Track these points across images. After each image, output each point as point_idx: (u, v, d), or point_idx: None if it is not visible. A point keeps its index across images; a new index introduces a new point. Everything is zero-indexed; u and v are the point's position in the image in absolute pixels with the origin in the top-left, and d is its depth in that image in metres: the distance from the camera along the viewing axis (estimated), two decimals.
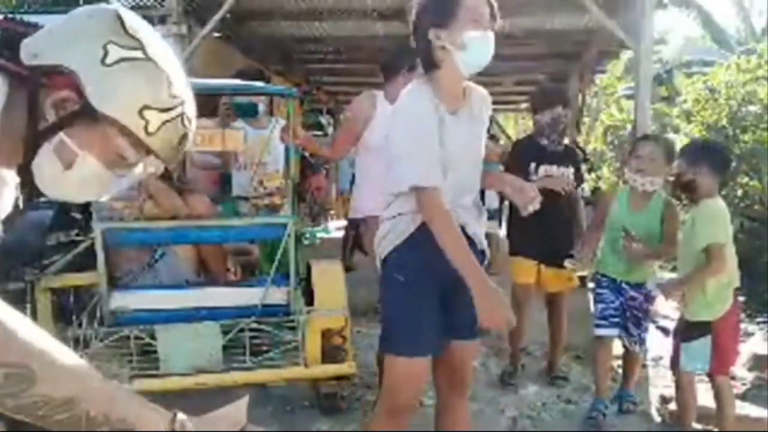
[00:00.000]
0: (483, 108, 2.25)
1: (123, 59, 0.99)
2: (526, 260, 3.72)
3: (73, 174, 1.03)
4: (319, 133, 11.93)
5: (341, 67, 8.84)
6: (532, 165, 3.63)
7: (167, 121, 1.03)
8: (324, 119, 12.77)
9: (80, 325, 2.96)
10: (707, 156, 3.04)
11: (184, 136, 1.08)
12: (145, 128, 1.01)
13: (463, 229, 2.12)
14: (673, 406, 3.40)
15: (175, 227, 3.15)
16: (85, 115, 0.99)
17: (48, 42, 1.01)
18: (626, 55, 8.86)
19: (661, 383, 3.88)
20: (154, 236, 3.17)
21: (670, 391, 3.62)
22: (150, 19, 5.26)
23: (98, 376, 0.89)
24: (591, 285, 4.57)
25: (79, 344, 2.88)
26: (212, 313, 3.09)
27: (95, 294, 3.12)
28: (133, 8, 5.63)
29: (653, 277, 3.37)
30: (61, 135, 1.00)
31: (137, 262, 3.29)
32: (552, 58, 8.23)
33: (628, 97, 9.94)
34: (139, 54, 1.00)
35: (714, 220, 2.94)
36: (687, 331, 3.04)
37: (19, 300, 3.23)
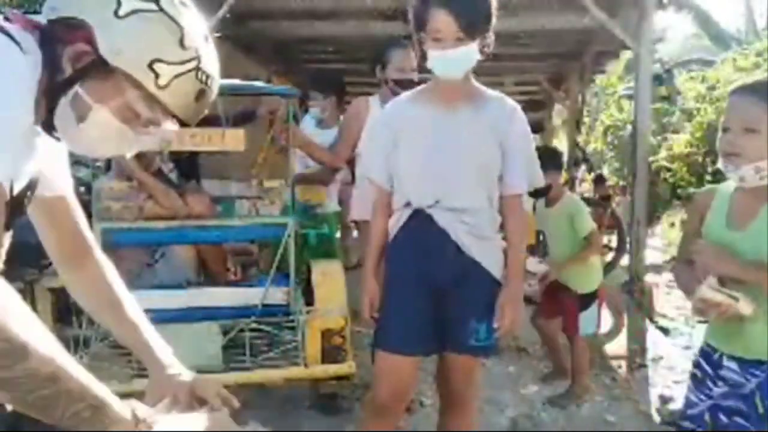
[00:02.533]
0: (497, 117, 2.19)
1: (135, 11, 0.98)
2: None
3: (88, 127, 1.03)
4: None
5: (341, 67, 8.83)
6: None
7: (179, 74, 1.01)
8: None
9: (80, 325, 2.96)
10: (551, 159, 3.51)
11: (202, 92, 1.06)
12: (156, 82, 1.00)
13: (446, 234, 2.14)
14: (672, 406, 3.41)
15: (175, 227, 3.15)
16: (99, 68, 0.99)
17: None
18: (626, 55, 8.86)
19: (661, 383, 3.88)
20: (154, 236, 3.17)
21: (670, 391, 3.63)
22: None
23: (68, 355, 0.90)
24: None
25: (79, 344, 2.87)
26: (212, 313, 3.09)
27: None
28: None
29: None
30: (77, 88, 1.00)
31: (137, 262, 3.29)
32: (552, 58, 8.22)
33: (629, 97, 9.94)
34: (152, 5, 0.99)
35: (584, 211, 3.61)
36: (582, 302, 3.62)
37: None
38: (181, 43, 1.01)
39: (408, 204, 2.20)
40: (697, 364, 1.91)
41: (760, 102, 1.69)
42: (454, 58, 2.06)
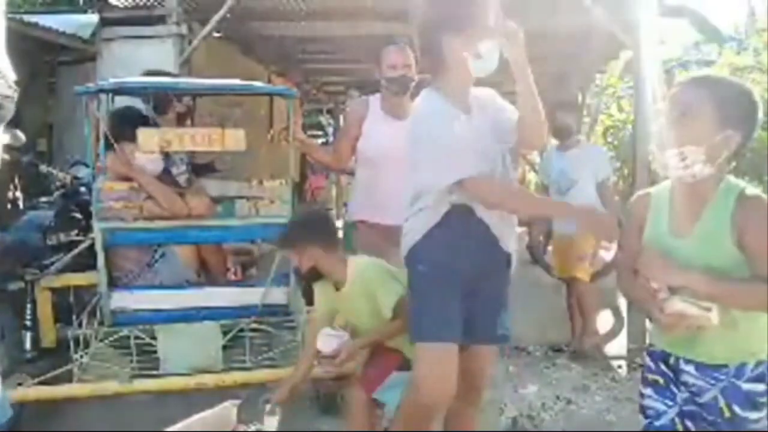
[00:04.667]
0: (492, 104, 2.29)
1: None
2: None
3: None
4: (320, 133, 11.95)
5: (341, 67, 8.84)
6: None
7: None
8: (324, 119, 12.78)
9: (80, 325, 2.96)
10: None
11: None
12: None
13: (488, 229, 2.21)
14: None
15: (175, 227, 3.15)
16: None
17: None
18: (626, 55, 8.86)
19: None
20: (154, 236, 3.17)
21: None
22: (150, 19, 5.26)
23: None
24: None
25: (79, 344, 2.88)
26: (212, 313, 3.09)
27: (95, 294, 3.12)
28: (133, 8, 5.62)
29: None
30: None
31: (137, 262, 3.29)
32: (552, 58, 8.23)
33: (629, 96, 9.95)
34: None
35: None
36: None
37: (19, 300, 3.23)
38: None
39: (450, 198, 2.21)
40: (655, 369, 1.80)
41: (697, 89, 1.67)
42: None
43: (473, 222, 2.20)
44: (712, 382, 1.68)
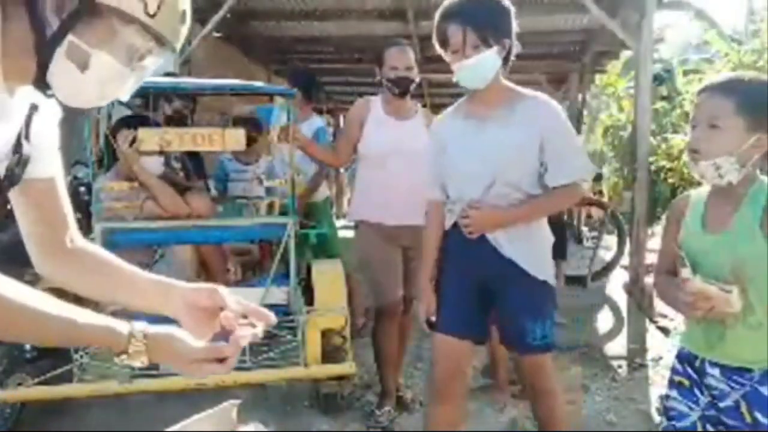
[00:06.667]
0: (530, 117, 2.28)
1: None
2: None
3: (91, 74, 1.01)
4: None
5: (341, 67, 8.84)
6: None
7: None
8: (324, 119, 12.76)
9: None
10: None
11: (184, 14, 1.07)
12: (145, 10, 0.99)
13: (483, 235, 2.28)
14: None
15: (175, 227, 3.15)
16: (86, 11, 0.97)
17: None
18: (626, 55, 8.87)
19: (661, 383, 3.88)
20: (154, 236, 3.17)
21: None
22: None
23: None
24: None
25: None
26: None
27: None
28: None
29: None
30: (70, 38, 0.98)
31: (137, 262, 3.28)
32: (552, 58, 8.23)
33: (629, 95, 9.95)
34: None
35: None
36: None
37: None
38: None
39: (454, 204, 2.35)
40: (681, 371, 1.81)
41: (725, 98, 1.66)
42: (472, 66, 2.21)
43: None
44: (735, 386, 1.67)
